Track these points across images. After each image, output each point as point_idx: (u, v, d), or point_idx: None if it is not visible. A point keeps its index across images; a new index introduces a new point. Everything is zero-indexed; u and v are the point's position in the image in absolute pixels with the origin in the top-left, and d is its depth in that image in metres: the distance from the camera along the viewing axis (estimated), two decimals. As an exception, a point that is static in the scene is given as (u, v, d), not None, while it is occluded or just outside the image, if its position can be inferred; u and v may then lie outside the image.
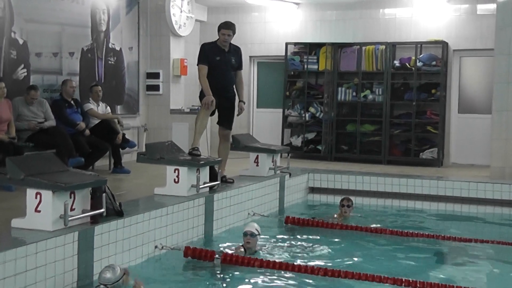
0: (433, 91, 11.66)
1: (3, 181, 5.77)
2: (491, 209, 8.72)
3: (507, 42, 9.77)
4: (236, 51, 8.00)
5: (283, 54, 12.56)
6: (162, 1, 11.59)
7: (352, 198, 8.75)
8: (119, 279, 4.73)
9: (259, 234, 6.25)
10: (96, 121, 9.67)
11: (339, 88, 12.20)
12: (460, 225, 8.13)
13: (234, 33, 7.81)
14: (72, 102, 9.37)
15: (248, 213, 7.79)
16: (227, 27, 7.75)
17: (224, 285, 5.46)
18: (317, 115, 12.30)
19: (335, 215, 8.02)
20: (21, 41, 8.97)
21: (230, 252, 6.06)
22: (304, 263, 5.85)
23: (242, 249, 6.11)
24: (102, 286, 4.67)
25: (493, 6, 10.37)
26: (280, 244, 6.82)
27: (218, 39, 7.81)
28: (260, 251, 6.35)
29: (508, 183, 8.97)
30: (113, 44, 10.99)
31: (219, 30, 7.78)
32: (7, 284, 4.42)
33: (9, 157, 5.70)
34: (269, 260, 5.83)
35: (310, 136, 12.40)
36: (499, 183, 8.91)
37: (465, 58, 11.98)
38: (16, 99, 8.54)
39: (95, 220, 5.38)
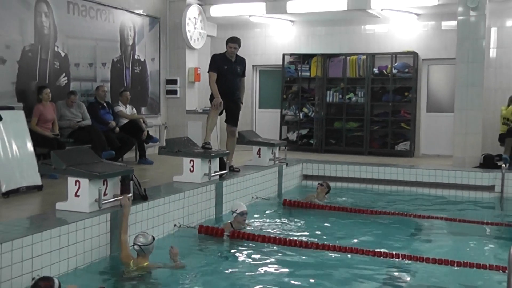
0: (406, 93, 11.64)
1: (49, 171, 5.81)
2: (453, 192, 8.76)
3: (466, 53, 9.79)
4: (241, 61, 7.97)
5: (281, 63, 12.53)
6: (179, 19, 11.58)
7: (339, 183, 8.82)
8: (149, 244, 4.80)
9: None
10: (125, 121, 9.70)
11: (328, 92, 12.17)
12: (428, 206, 8.12)
13: (239, 46, 7.79)
14: (104, 104, 9.41)
15: (252, 197, 7.80)
16: (234, 41, 7.74)
17: (232, 257, 5.48)
18: (310, 114, 12.29)
19: (315, 194, 8.06)
20: (63, 54, 9.00)
21: (221, 226, 6.08)
22: (298, 238, 5.87)
23: (230, 226, 6.10)
24: (136, 246, 4.79)
25: (454, 22, 10.33)
26: (278, 222, 6.83)
27: (226, 51, 7.80)
28: (261, 228, 6.37)
29: (467, 170, 9.03)
30: (138, 56, 11.00)
31: (227, 43, 7.76)
32: (53, 256, 4.50)
33: (53, 150, 5.77)
34: (270, 236, 5.87)
35: (304, 132, 12.38)
36: (460, 170, 8.97)
37: (432, 66, 11.95)
38: (59, 102, 8.59)
39: (124, 203, 5.42)
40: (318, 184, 8.19)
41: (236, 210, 6.21)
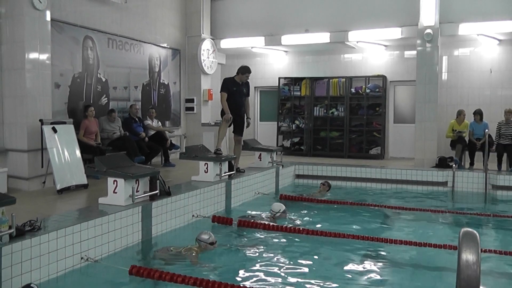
0: (377, 108, 11.68)
1: (93, 172, 5.85)
2: (415, 187, 8.77)
3: (423, 76, 9.88)
4: (246, 84, 7.93)
5: (277, 85, 12.58)
6: (196, 51, 11.66)
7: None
8: (206, 242, 4.78)
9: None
10: (152, 132, 9.75)
11: (315, 107, 12.21)
12: (395, 198, 8.12)
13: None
14: (136, 119, 9.46)
15: (255, 193, 7.82)
16: (249, 72, 7.71)
17: (239, 241, 5.49)
18: (300, 125, 12.32)
19: (317, 191, 8.10)
20: (104, 79, 9.07)
21: (260, 220, 6.07)
22: (292, 226, 5.88)
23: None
24: (198, 240, 4.79)
25: (414, 52, 10.42)
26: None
27: (235, 75, 7.73)
28: (263, 217, 6.38)
29: (426, 169, 9.04)
30: (163, 80, 11.06)
31: (243, 72, 7.64)
32: (97, 241, 4.54)
33: (96, 156, 5.82)
34: (269, 224, 5.88)
35: (296, 139, 12.39)
36: (420, 170, 8.97)
37: (398, 86, 11.98)
38: (101, 118, 8.66)
39: (152, 198, 5.46)
40: (321, 183, 8.20)
41: (280, 210, 6.25)
